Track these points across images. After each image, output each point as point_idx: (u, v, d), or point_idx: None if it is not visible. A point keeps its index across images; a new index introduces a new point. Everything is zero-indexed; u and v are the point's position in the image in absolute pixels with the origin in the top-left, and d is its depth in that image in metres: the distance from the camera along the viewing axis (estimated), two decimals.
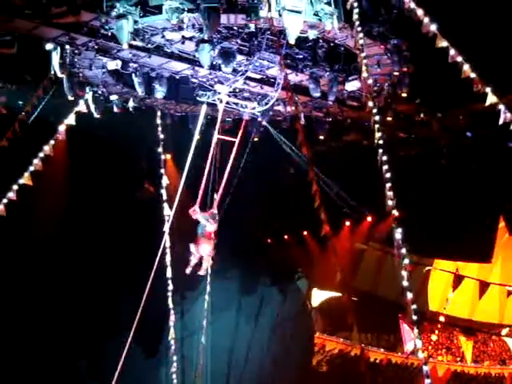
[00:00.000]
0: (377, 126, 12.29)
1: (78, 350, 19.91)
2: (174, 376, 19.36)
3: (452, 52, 12.66)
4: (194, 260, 15.01)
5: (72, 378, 20.04)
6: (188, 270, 15.14)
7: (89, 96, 14.85)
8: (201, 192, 14.96)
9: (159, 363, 21.47)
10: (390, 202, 11.98)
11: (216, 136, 14.67)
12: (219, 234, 18.49)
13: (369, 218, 25.17)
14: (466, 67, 12.75)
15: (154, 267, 16.30)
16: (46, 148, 15.01)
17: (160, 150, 18.17)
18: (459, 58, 12.73)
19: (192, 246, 14.88)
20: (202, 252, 14.87)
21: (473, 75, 12.79)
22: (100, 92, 14.91)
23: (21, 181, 14.78)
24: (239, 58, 13.17)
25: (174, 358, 19.24)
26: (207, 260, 15.03)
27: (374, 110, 12.40)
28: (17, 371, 18.38)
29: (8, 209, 14.69)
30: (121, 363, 16.10)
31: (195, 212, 14.85)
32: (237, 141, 14.90)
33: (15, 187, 14.74)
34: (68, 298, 19.21)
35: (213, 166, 14.89)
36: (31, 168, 14.87)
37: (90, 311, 19.72)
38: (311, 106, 15.75)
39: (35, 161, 14.90)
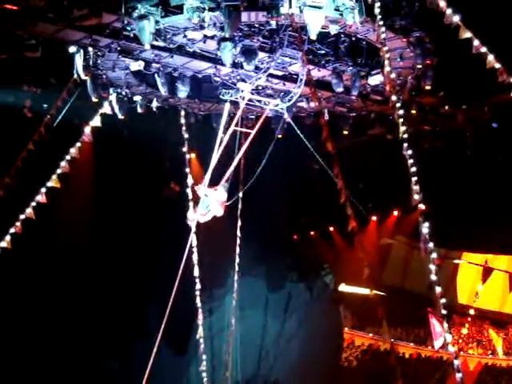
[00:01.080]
0: (401, 119, 12.23)
1: (109, 351, 20.05)
2: (204, 374, 19.46)
3: (476, 43, 12.54)
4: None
5: (104, 379, 20.19)
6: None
7: (113, 97, 14.95)
8: (209, 171, 14.52)
9: (189, 362, 21.59)
10: (416, 196, 11.93)
11: (232, 128, 14.58)
12: (244, 231, 18.60)
13: (395, 213, 25.07)
14: (491, 58, 12.63)
15: (181, 266, 16.35)
16: (73, 150, 15.15)
17: (184, 149, 18.24)
18: (483, 49, 12.60)
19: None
20: (214, 209, 14.20)
21: (497, 66, 12.66)
22: (124, 93, 15.00)
23: (49, 183, 14.93)
24: (261, 55, 13.17)
25: (204, 356, 19.33)
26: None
27: (398, 104, 12.34)
28: (50, 371, 18.54)
29: (37, 212, 14.84)
30: (151, 363, 16.17)
31: (199, 188, 14.34)
32: (253, 132, 14.83)
33: (43, 190, 14.90)
34: (97, 299, 19.33)
35: (226, 155, 14.64)
36: (58, 170, 15.02)
37: (120, 312, 19.84)
38: (334, 102, 15.70)
39: (62, 163, 15.05)
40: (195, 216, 14.14)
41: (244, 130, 14.97)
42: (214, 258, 19.63)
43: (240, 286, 20.43)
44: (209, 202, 14.12)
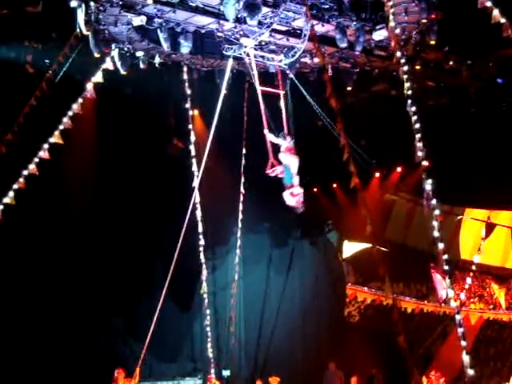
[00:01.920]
0: (405, 75, 12.16)
1: (114, 307, 20.20)
2: (208, 329, 19.66)
3: None
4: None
5: (109, 334, 20.39)
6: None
7: (115, 53, 14.81)
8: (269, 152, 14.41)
9: (193, 317, 21.75)
10: (419, 153, 11.92)
11: (259, 88, 14.40)
12: (247, 188, 18.68)
13: (398, 169, 25.03)
14: (496, 12, 12.52)
15: (185, 223, 16.41)
16: (75, 106, 15.11)
17: (187, 105, 18.18)
18: (488, 3, 12.48)
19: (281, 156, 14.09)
20: (291, 162, 14.10)
21: (503, 20, 12.55)
22: (126, 49, 14.84)
23: (51, 140, 14.92)
24: (264, 10, 13.04)
25: (208, 311, 19.53)
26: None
27: (402, 60, 12.26)
28: (53, 328, 18.71)
29: (40, 168, 14.86)
30: (155, 318, 16.33)
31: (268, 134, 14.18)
32: (282, 92, 14.70)
33: (46, 146, 14.90)
34: (102, 256, 19.41)
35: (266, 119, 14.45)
36: (61, 127, 15.00)
37: (125, 269, 19.94)
38: (338, 57, 15.58)
39: (64, 119, 15.02)
40: (293, 199, 14.10)
41: (271, 90, 14.78)
42: (217, 215, 19.67)
43: (243, 242, 20.54)
44: (289, 169, 14.04)
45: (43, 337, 18.50)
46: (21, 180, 14.81)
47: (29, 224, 18.15)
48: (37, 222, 18.47)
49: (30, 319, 18.41)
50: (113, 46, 14.60)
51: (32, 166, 14.81)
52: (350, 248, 26.36)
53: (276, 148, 14.30)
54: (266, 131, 14.22)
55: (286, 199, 14.13)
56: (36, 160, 14.82)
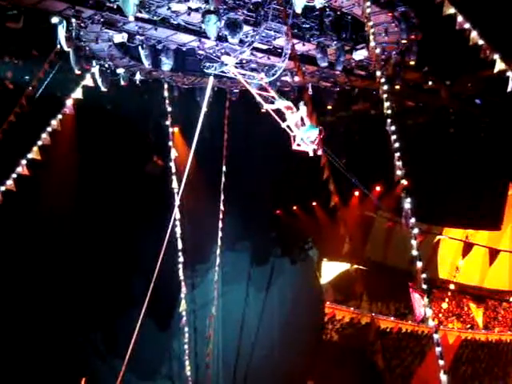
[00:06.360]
0: (385, 95, 12.25)
1: (93, 323, 20.08)
2: (187, 347, 19.56)
3: (460, 19, 12.58)
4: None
5: (87, 351, 20.24)
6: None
7: (95, 70, 14.81)
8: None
9: (172, 335, 21.64)
10: (398, 172, 11.99)
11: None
12: (227, 206, 18.65)
13: (378, 188, 25.14)
14: (474, 34, 12.67)
15: (165, 240, 16.36)
16: (54, 122, 15.05)
17: (168, 122, 18.18)
18: (467, 25, 12.64)
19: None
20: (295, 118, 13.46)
21: (481, 42, 12.71)
22: (106, 65, 14.85)
23: (29, 155, 14.84)
24: (246, 28, 13.10)
25: (186, 329, 19.43)
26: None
27: (382, 79, 12.35)
28: (32, 343, 18.56)
29: (17, 183, 14.77)
30: (135, 335, 16.24)
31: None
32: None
33: (24, 162, 14.81)
34: (81, 272, 19.31)
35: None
36: (39, 143, 14.92)
37: (104, 284, 19.84)
38: (319, 76, 15.68)
39: (43, 135, 14.94)
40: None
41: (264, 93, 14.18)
42: (197, 233, 19.63)
43: (223, 260, 20.48)
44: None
45: (20, 351, 18.34)
46: None
47: (6, 240, 18.03)
48: (15, 238, 18.34)
49: (6, 334, 18.24)
50: (93, 62, 14.59)
51: (10, 182, 14.71)
52: (329, 268, 26.39)
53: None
54: (265, 106, 13.61)
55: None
56: (14, 176, 14.72)
